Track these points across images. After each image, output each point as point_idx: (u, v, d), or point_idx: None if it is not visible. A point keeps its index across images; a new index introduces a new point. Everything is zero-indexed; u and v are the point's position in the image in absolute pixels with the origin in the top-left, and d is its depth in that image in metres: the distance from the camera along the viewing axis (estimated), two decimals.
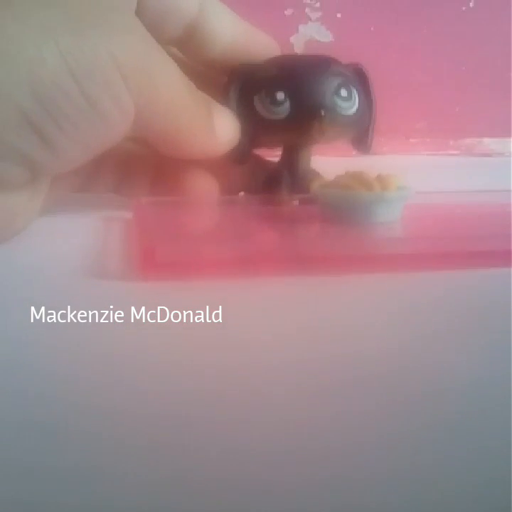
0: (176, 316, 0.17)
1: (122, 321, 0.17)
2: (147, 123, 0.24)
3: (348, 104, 0.28)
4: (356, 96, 0.29)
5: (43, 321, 0.17)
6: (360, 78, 0.30)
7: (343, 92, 0.28)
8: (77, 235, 0.26)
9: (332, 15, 0.57)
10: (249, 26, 0.30)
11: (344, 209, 0.26)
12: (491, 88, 0.60)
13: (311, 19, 0.57)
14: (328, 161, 0.30)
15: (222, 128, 0.27)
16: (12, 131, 0.20)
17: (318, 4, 0.56)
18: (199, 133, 0.26)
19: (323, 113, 0.27)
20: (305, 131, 0.28)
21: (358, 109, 0.29)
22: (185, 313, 0.17)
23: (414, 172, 0.28)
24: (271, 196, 0.30)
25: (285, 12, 0.56)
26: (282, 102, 0.28)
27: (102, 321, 0.17)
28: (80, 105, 0.21)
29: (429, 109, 0.60)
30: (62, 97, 0.20)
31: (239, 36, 0.29)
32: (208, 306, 0.18)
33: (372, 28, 0.57)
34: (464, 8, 0.58)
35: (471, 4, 0.58)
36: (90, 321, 0.17)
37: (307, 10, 0.56)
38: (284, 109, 0.28)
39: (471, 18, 0.59)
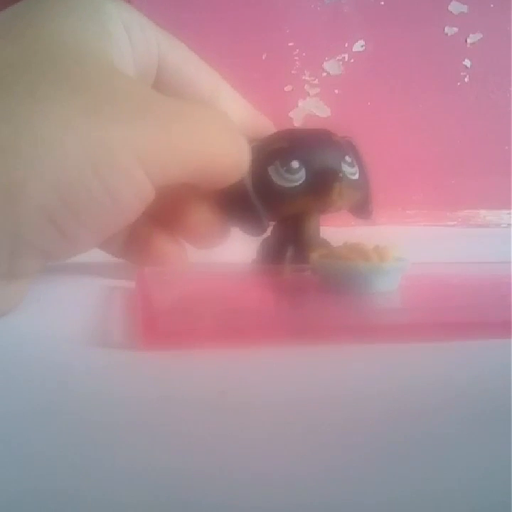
0: (177, 386, 0.17)
1: (124, 390, 0.17)
2: (178, 180, 0.24)
3: (353, 169, 0.30)
4: (356, 164, 0.31)
5: (44, 389, 0.17)
6: (353, 149, 0.32)
7: (348, 158, 0.30)
8: (79, 304, 0.26)
9: (330, 91, 0.58)
10: (254, 110, 0.31)
11: (342, 279, 0.26)
12: (486, 161, 0.61)
13: (309, 95, 0.58)
14: (326, 232, 0.31)
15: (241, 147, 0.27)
16: (33, 230, 0.20)
17: (316, 81, 0.58)
18: (231, 161, 0.26)
19: (341, 175, 0.29)
20: (325, 194, 0.29)
21: (360, 175, 0.31)
22: (186, 382, 0.17)
23: (411, 243, 0.28)
24: (275, 267, 0.30)
25: (285, 88, 0.58)
26: (298, 169, 0.29)
27: (103, 389, 0.17)
28: (101, 199, 0.21)
29: (426, 181, 0.61)
30: (85, 193, 0.21)
31: (246, 119, 0.30)
32: (209, 376, 0.18)
33: (368, 103, 0.59)
34: (458, 84, 0.60)
35: (466, 79, 0.60)
36: (91, 389, 0.17)
37: (306, 86, 0.58)
38: (300, 176, 0.29)
39: (466, 93, 0.60)
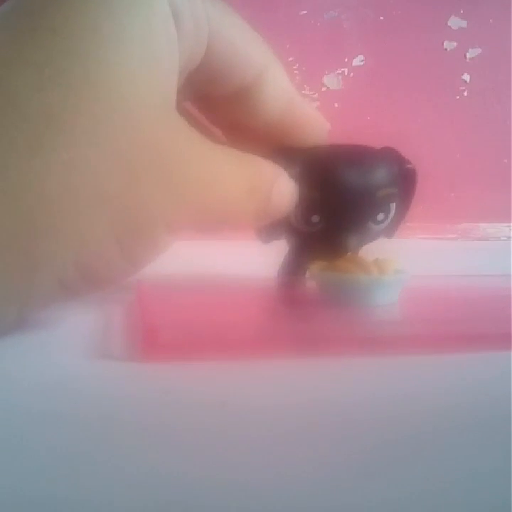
0: (177, 397, 0.17)
1: (124, 401, 0.17)
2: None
3: (382, 224, 0.27)
4: (393, 210, 0.27)
5: (44, 400, 0.17)
6: (405, 177, 0.28)
7: (380, 216, 0.27)
8: (78, 315, 0.26)
9: (330, 105, 0.59)
10: (299, 96, 0.27)
11: (342, 292, 0.26)
12: (485, 174, 0.62)
13: None
14: None
15: (279, 192, 0.25)
16: (44, 290, 0.20)
17: (316, 95, 0.58)
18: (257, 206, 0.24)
19: (353, 240, 0.26)
20: (336, 248, 0.27)
21: (390, 222, 0.28)
22: (186, 394, 0.17)
23: (411, 256, 0.28)
24: (277, 280, 0.30)
25: None
26: (317, 223, 0.27)
27: (103, 401, 0.17)
28: (121, 266, 0.21)
29: (426, 195, 0.61)
30: (104, 264, 0.20)
31: (293, 106, 0.27)
32: (209, 388, 0.18)
33: (368, 117, 0.59)
34: (458, 97, 0.61)
35: (465, 94, 0.60)
36: (91, 401, 0.17)
37: (306, 100, 0.58)
38: (319, 227, 0.27)
39: (465, 107, 0.61)
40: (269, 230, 0.28)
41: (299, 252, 0.30)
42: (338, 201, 0.26)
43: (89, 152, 0.19)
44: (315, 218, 0.26)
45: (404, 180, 0.28)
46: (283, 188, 0.25)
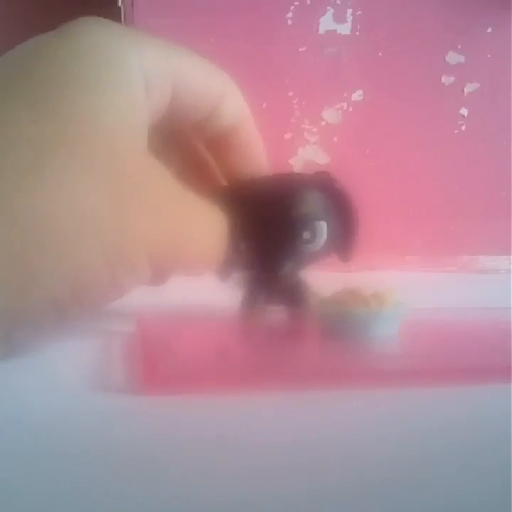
0: (177, 430, 0.17)
1: (124, 434, 0.17)
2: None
3: (313, 244, 0.28)
4: (323, 229, 0.28)
5: (45, 433, 0.17)
6: (328, 186, 0.29)
7: (306, 235, 0.27)
8: (79, 348, 0.26)
9: (329, 139, 0.59)
10: (253, 127, 0.30)
11: (341, 325, 0.26)
12: (485, 207, 0.62)
13: (309, 142, 0.59)
14: (325, 277, 0.31)
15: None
16: (36, 309, 0.21)
17: (315, 129, 0.59)
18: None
19: (282, 274, 0.28)
20: (270, 275, 0.28)
21: (327, 238, 0.28)
22: (186, 426, 0.17)
23: (410, 288, 0.28)
24: (264, 310, 0.30)
25: (285, 136, 0.59)
26: (244, 250, 0.28)
27: (103, 434, 0.17)
28: (108, 291, 0.22)
29: (425, 227, 0.61)
30: (95, 288, 0.21)
31: (241, 129, 0.30)
32: (208, 420, 0.17)
33: (367, 151, 0.60)
34: (456, 132, 0.61)
35: (463, 128, 0.61)
36: (92, 434, 0.17)
37: (306, 134, 0.59)
38: (248, 255, 0.28)
39: (463, 141, 0.61)
40: (224, 267, 0.28)
41: (251, 285, 0.31)
42: (256, 223, 0.27)
43: (82, 177, 0.20)
44: (242, 246, 0.27)
45: (333, 200, 0.28)
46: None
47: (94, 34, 0.24)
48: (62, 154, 0.20)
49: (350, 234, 0.29)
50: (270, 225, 0.27)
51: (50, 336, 0.23)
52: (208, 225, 0.26)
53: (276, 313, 0.30)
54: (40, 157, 0.20)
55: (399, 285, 0.27)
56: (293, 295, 0.30)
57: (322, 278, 0.31)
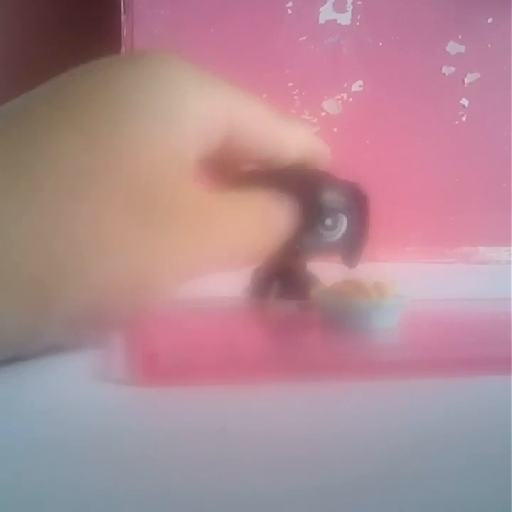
0: (177, 422, 0.17)
1: (124, 425, 0.17)
2: None
3: (333, 232, 0.29)
4: (343, 222, 0.30)
5: (45, 425, 0.17)
6: (355, 197, 0.31)
7: (328, 221, 0.29)
8: None
9: (329, 129, 0.59)
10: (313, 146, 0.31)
11: (341, 316, 0.26)
12: (485, 198, 0.62)
13: None
14: (326, 267, 0.31)
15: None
16: (52, 330, 0.21)
17: (315, 120, 0.59)
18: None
19: (306, 246, 0.29)
20: (291, 257, 0.30)
21: (345, 233, 0.30)
22: (186, 418, 0.17)
23: (411, 279, 0.28)
24: (270, 302, 0.31)
25: None
26: None
27: (103, 425, 0.17)
28: (126, 314, 0.22)
29: (425, 219, 0.61)
30: (113, 313, 0.22)
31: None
32: (209, 412, 0.17)
33: (367, 142, 0.60)
34: (456, 122, 0.61)
35: (464, 118, 0.61)
36: (92, 425, 0.17)
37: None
38: None
39: (463, 132, 0.61)
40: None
41: (263, 276, 0.32)
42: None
43: (117, 206, 0.21)
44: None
45: (353, 198, 0.30)
46: (283, 213, 0.27)
47: (161, 69, 0.24)
48: (101, 183, 0.21)
49: (361, 241, 0.31)
50: (299, 207, 0.28)
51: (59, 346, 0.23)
52: (258, 222, 0.26)
53: (279, 305, 0.30)
54: (81, 187, 0.20)
55: (399, 276, 0.27)
56: (303, 288, 0.31)
57: (323, 269, 0.31)
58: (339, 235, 0.29)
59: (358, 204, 0.31)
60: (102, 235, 0.20)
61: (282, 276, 0.31)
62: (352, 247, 0.31)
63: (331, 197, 0.29)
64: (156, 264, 0.22)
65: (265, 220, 0.26)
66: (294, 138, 0.30)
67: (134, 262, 0.21)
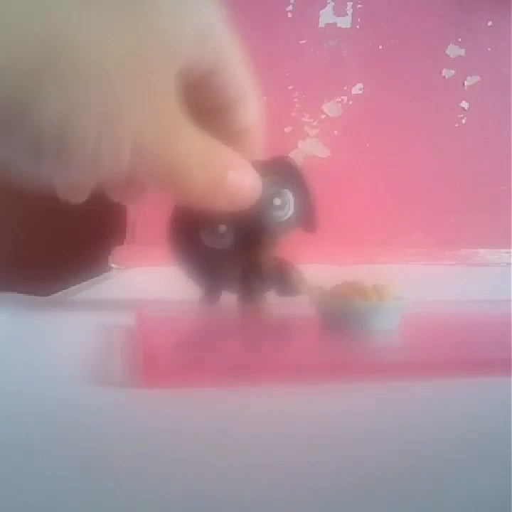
0: (177, 423, 0.17)
1: (124, 427, 0.17)
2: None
3: (284, 210, 0.30)
4: (290, 197, 0.30)
5: (45, 426, 0.17)
6: (288, 169, 0.31)
7: (277, 201, 0.30)
8: (79, 342, 0.26)
9: (329, 132, 0.59)
10: (259, 132, 0.32)
11: (341, 318, 0.26)
12: (485, 201, 0.62)
13: (309, 136, 0.59)
14: (325, 270, 0.31)
15: (237, 182, 0.28)
16: (18, 143, 0.22)
17: (315, 122, 0.59)
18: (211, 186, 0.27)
19: (263, 240, 0.29)
20: (254, 250, 0.30)
21: (295, 208, 0.30)
22: (186, 420, 0.17)
23: (410, 282, 0.28)
24: (263, 303, 0.31)
25: (285, 129, 0.59)
26: (225, 233, 0.29)
27: (104, 427, 0.17)
28: (86, 153, 0.23)
29: (425, 221, 0.61)
30: (78, 143, 0.22)
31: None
32: (209, 414, 0.18)
33: (367, 144, 0.60)
34: (456, 125, 0.61)
35: (464, 121, 0.61)
36: (92, 427, 0.17)
37: (306, 127, 0.59)
38: (229, 239, 0.29)
39: (463, 134, 0.61)
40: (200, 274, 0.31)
41: (216, 273, 0.32)
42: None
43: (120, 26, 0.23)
44: (222, 228, 0.29)
45: (286, 170, 0.31)
46: (240, 177, 0.28)
47: None
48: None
49: (311, 206, 0.31)
50: None
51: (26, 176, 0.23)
52: (200, 156, 0.26)
53: (274, 307, 0.30)
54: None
55: (399, 278, 0.27)
56: (282, 278, 0.31)
57: (323, 271, 0.31)
58: (291, 211, 0.30)
59: (293, 173, 0.31)
60: (98, 42, 0.22)
61: (256, 272, 0.31)
62: (306, 215, 0.31)
63: (273, 178, 0.30)
64: (125, 116, 0.23)
65: (205, 157, 0.27)
66: (254, 104, 0.30)
67: (110, 99, 0.22)
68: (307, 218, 0.31)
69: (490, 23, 0.60)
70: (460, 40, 0.60)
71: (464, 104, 0.61)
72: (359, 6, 0.59)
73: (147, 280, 0.51)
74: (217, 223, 0.29)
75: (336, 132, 0.59)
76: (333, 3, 0.58)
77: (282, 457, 0.15)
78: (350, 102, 0.59)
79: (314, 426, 0.18)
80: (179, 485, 0.14)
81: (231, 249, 0.30)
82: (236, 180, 0.27)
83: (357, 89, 0.60)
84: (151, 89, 0.24)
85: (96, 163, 0.23)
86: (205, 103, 0.29)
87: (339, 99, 0.59)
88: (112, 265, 0.59)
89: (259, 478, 0.14)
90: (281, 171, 0.31)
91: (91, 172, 0.24)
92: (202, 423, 0.18)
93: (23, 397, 0.20)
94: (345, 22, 0.59)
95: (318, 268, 0.32)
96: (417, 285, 0.30)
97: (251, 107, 0.30)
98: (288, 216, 0.30)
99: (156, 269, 0.53)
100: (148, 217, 0.61)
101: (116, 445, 0.16)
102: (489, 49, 0.61)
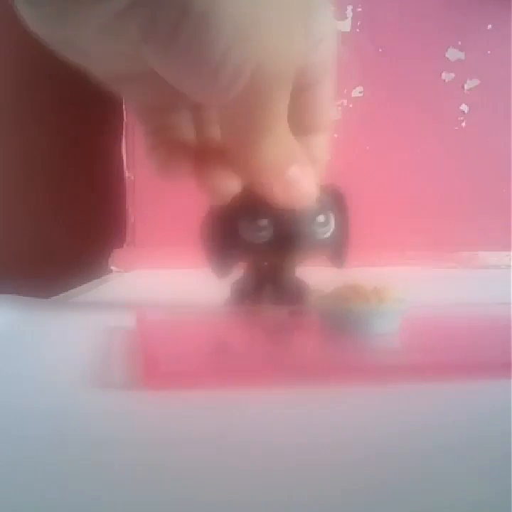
0: (178, 426, 0.17)
1: (125, 429, 0.17)
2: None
3: (325, 228, 0.30)
4: (332, 220, 0.30)
5: (46, 429, 0.17)
6: (337, 199, 0.32)
7: (320, 218, 0.30)
8: (80, 345, 0.26)
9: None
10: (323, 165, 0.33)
11: (342, 321, 0.26)
12: (485, 203, 0.62)
13: None
14: (325, 272, 0.31)
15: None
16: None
17: None
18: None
19: (297, 246, 0.29)
20: (286, 254, 0.30)
21: (333, 232, 0.30)
22: (187, 422, 0.17)
23: (411, 284, 0.28)
24: (262, 307, 0.31)
25: None
26: (265, 227, 0.29)
27: (105, 429, 0.17)
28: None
29: (425, 223, 0.61)
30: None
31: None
32: (209, 417, 0.18)
33: (367, 148, 0.60)
34: (456, 128, 0.61)
35: (463, 124, 0.61)
36: (93, 429, 0.17)
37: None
38: (266, 234, 0.29)
39: (463, 137, 0.61)
40: (223, 261, 0.31)
41: (253, 271, 0.32)
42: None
43: None
44: (263, 222, 0.29)
45: (335, 198, 0.32)
46: (301, 174, 0.28)
47: None
48: None
49: (345, 240, 0.32)
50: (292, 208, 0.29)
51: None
52: (284, 132, 0.27)
53: (276, 310, 0.30)
54: None
55: (399, 281, 0.27)
56: (293, 292, 0.31)
57: (323, 274, 0.32)
58: (330, 233, 0.30)
59: (339, 204, 0.32)
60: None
61: (273, 281, 0.32)
62: (339, 247, 0.32)
63: (320, 196, 0.30)
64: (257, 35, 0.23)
65: (282, 143, 0.27)
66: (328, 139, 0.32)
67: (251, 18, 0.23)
68: (339, 251, 0.32)
69: (490, 27, 0.60)
70: (460, 43, 0.60)
71: (464, 108, 0.61)
72: (359, 9, 0.59)
73: (147, 283, 0.51)
74: (259, 216, 0.29)
75: (335, 135, 0.59)
76: (333, 7, 0.58)
77: (283, 460, 0.15)
78: (350, 105, 0.60)
79: (314, 428, 0.18)
80: (180, 488, 0.14)
81: (264, 246, 0.30)
82: (297, 175, 0.28)
83: (357, 92, 0.60)
84: (291, 24, 0.24)
85: (218, 69, 0.23)
86: (294, 117, 0.29)
87: (339, 103, 0.59)
88: (112, 268, 0.59)
89: (259, 480, 0.14)
90: (331, 196, 0.31)
91: (211, 75, 0.23)
92: (201, 425, 0.18)
93: (24, 400, 0.20)
94: (345, 25, 0.59)
95: (318, 270, 0.32)
96: (417, 288, 0.30)
97: (325, 141, 0.32)
98: (325, 237, 0.30)
99: (156, 271, 0.54)
100: (148, 220, 0.61)
101: (116, 447, 0.16)
102: (489, 52, 0.61)
